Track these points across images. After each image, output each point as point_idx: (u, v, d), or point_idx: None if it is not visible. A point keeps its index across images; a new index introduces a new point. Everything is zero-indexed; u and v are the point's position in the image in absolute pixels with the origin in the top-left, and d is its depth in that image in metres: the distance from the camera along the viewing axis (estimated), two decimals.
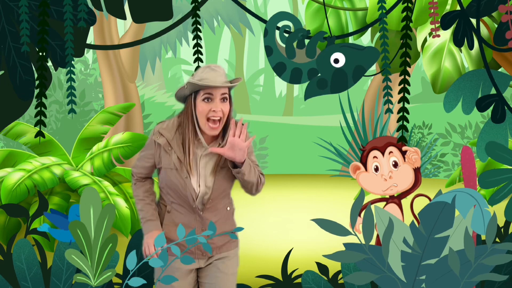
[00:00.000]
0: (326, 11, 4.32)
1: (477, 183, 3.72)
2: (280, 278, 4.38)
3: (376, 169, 3.48)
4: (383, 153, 3.48)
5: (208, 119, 2.95)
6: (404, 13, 3.51)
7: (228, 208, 3.14)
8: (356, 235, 3.00)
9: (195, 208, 3.02)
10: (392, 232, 2.99)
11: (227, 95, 2.99)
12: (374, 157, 3.48)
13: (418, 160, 3.45)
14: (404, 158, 3.46)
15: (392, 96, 3.55)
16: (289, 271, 4.40)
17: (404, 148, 3.45)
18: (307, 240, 6.47)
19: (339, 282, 4.08)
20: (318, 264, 4.11)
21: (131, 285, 3.05)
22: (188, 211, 3.04)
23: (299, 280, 4.34)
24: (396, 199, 3.50)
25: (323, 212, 8.24)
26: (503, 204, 3.81)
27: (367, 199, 3.23)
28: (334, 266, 4.02)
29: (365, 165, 3.51)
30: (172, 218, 3.07)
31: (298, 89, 20.98)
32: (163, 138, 3.01)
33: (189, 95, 2.99)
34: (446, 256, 3.01)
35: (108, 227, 3.43)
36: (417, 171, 3.47)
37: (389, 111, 3.42)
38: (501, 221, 3.75)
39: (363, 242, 2.98)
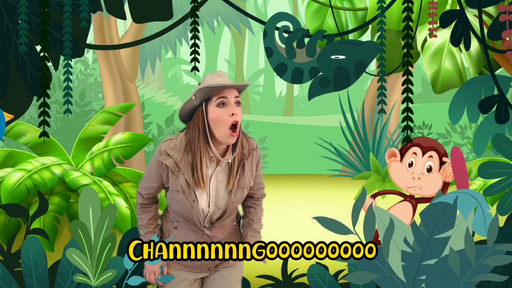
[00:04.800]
0: (328, 11, 4.32)
1: (477, 176, 3.73)
2: (280, 278, 4.38)
3: (410, 165, 3.47)
4: (423, 154, 3.46)
5: (229, 126, 2.75)
6: (405, 13, 3.51)
7: (235, 223, 3.06)
8: (357, 234, 3.00)
9: (204, 229, 2.93)
10: (392, 232, 3.00)
11: (239, 99, 2.82)
12: (414, 153, 3.47)
13: (452, 175, 3.43)
14: (440, 167, 3.45)
15: (386, 97, 3.54)
16: (289, 271, 4.40)
17: (444, 159, 3.44)
18: (307, 240, 6.46)
19: (339, 282, 4.08)
20: (318, 264, 4.11)
21: (130, 284, 3.05)
22: (195, 229, 2.94)
23: (299, 280, 4.34)
24: (413, 200, 3.49)
25: (323, 212, 8.22)
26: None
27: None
28: (334, 266, 4.02)
29: (402, 156, 3.49)
30: (179, 234, 2.97)
31: (298, 89, 20.98)
32: (170, 160, 2.82)
33: (198, 106, 2.80)
34: (446, 256, 3.01)
35: (109, 227, 3.43)
36: (446, 185, 3.45)
37: (382, 111, 3.41)
38: (500, 221, 3.75)
39: (364, 240, 2.98)
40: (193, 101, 2.79)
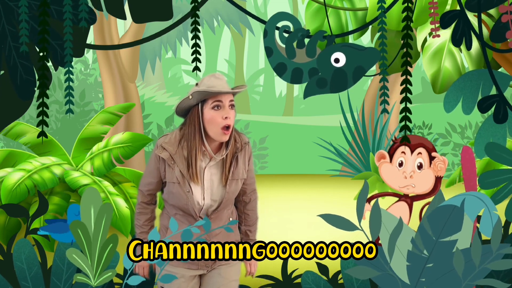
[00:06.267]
0: (328, 11, 4.32)
1: (477, 183, 3.72)
2: (280, 278, 4.38)
3: (400, 164, 3.47)
4: (412, 152, 3.46)
5: (221, 127, 2.94)
6: (405, 13, 3.51)
7: (231, 219, 3.15)
8: (362, 230, 3.00)
9: (200, 219, 3.02)
10: (399, 233, 2.99)
11: (234, 102, 3.00)
12: (402, 152, 3.47)
13: (443, 169, 3.43)
14: (430, 163, 3.45)
15: (388, 96, 3.54)
16: (289, 271, 4.40)
17: (433, 154, 3.44)
18: (307, 240, 6.46)
19: (339, 282, 4.08)
20: (318, 264, 4.11)
21: (130, 284, 3.05)
22: (192, 222, 3.04)
23: (299, 280, 4.33)
24: (408, 199, 3.49)
25: (323, 212, 8.21)
26: (501, 204, 3.82)
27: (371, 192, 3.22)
28: (334, 266, 4.02)
29: (391, 157, 3.49)
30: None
31: (298, 89, 20.98)
32: (166, 153, 2.99)
33: (194, 106, 2.96)
34: (447, 256, 3.00)
35: (107, 226, 3.44)
36: (438, 179, 3.45)
37: (385, 111, 3.41)
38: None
39: (370, 238, 2.98)
40: (190, 100, 2.95)
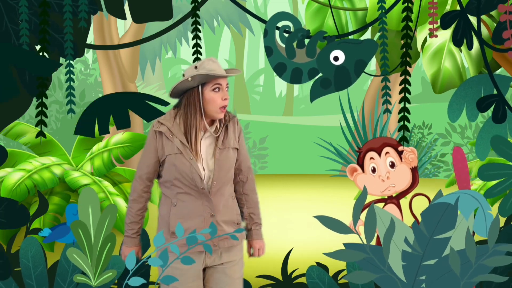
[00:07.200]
0: (328, 11, 4.33)
1: (477, 176, 3.72)
2: (280, 278, 4.38)
3: (374, 170, 3.48)
4: (379, 154, 3.48)
5: (220, 107, 3.17)
6: (404, 13, 3.51)
7: (233, 198, 3.23)
8: (357, 233, 3.00)
9: (203, 191, 3.08)
10: (393, 232, 2.99)
11: (228, 84, 3.22)
12: (371, 158, 3.48)
13: (415, 159, 3.45)
14: (401, 158, 3.46)
15: (390, 96, 3.54)
16: (289, 271, 4.40)
17: (400, 148, 3.46)
18: (307, 240, 6.47)
19: (339, 282, 4.08)
20: (318, 264, 4.11)
21: (131, 284, 3.05)
22: (196, 198, 3.10)
23: (299, 280, 4.34)
24: (394, 200, 3.51)
25: (323, 212, 8.21)
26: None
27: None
28: (334, 266, 4.02)
29: (362, 166, 3.51)
30: (179, 210, 3.11)
31: (298, 89, 20.99)
32: (164, 126, 3.14)
33: (194, 87, 3.12)
34: (446, 256, 3.01)
35: (109, 227, 3.44)
36: (414, 170, 3.47)
37: (387, 111, 3.41)
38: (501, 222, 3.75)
39: (365, 241, 2.98)
40: (190, 82, 3.11)
